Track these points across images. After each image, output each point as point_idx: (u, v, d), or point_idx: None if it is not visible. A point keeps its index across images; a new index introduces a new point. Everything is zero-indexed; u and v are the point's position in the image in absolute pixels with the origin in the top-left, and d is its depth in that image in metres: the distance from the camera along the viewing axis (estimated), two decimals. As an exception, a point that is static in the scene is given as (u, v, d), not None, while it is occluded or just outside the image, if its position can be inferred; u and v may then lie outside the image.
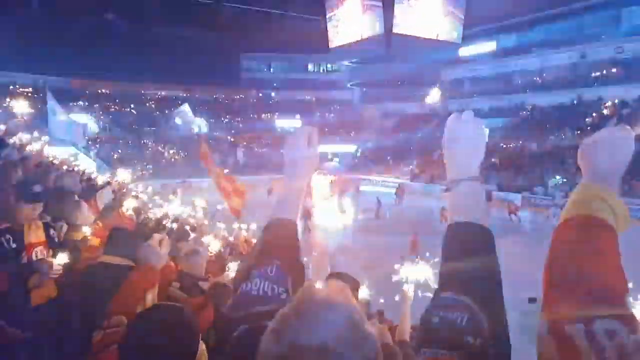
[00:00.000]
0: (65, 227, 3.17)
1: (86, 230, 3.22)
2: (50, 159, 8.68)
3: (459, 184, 0.93)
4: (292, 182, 1.10)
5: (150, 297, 1.58)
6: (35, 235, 2.67)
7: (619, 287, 0.64)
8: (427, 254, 2.61)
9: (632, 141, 0.82)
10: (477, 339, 0.71)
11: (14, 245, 2.51)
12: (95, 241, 3.07)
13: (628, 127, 0.85)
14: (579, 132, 25.38)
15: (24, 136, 9.73)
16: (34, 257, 2.53)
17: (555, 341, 0.60)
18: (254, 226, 8.12)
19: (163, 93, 39.78)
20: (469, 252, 0.84)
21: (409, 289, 2.61)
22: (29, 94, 30.73)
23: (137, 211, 5.52)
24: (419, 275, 2.51)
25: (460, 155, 0.96)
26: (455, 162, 0.96)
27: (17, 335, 1.97)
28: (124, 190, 7.07)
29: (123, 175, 8.59)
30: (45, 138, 9.12)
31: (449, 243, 0.88)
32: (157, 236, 1.85)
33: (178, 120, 34.50)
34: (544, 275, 0.69)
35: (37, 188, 2.68)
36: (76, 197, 3.64)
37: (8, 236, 2.51)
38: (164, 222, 6.07)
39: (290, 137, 1.15)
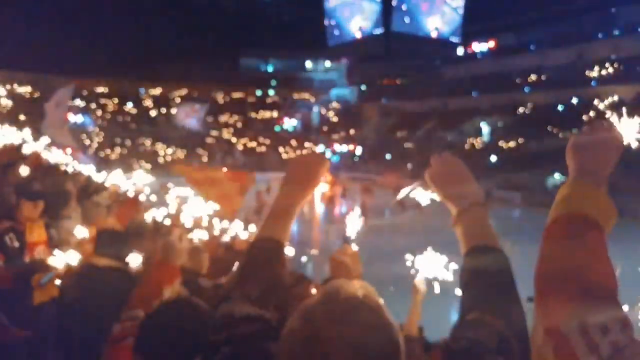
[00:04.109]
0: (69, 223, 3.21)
1: (82, 232, 3.22)
2: (49, 159, 8.65)
3: (462, 215, 0.95)
4: (289, 201, 1.05)
5: (168, 293, 1.61)
6: (37, 234, 2.67)
7: (610, 284, 0.65)
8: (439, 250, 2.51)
9: (621, 141, 0.84)
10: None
11: (16, 244, 2.52)
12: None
13: (616, 127, 0.85)
14: (577, 130, 25.39)
15: (22, 136, 9.69)
16: (35, 256, 2.54)
17: (550, 340, 0.61)
18: (252, 227, 8.08)
19: (161, 91, 39.71)
20: (488, 276, 0.85)
21: (421, 282, 2.50)
22: (28, 94, 30.70)
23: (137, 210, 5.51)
24: (434, 268, 2.39)
25: (451, 189, 0.98)
26: (450, 198, 0.98)
27: (19, 334, 1.99)
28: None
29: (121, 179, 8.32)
30: (45, 139, 9.12)
31: (467, 270, 0.89)
32: (177, 231, 1.88)
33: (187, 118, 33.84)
34: (536, 274, 0.70)
35: (37, 187, 2.70)
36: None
37: (11, 235, 2.52)
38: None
39: (310, 158, 1.11)
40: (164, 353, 1.16)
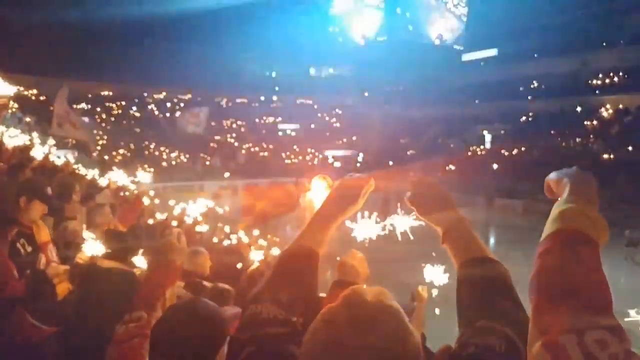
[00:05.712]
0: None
1: (87, 234, 3.26)
2: (54, 162, 8.71)
3: (449, 233, 0.99)
4: (330, 214, 1.09)
5: (169, 294, 1.63)
6: (44, 233, 2.69)
7: (606, 298, 0.66)
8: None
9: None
10: None
11: (29, 249, 2.52)
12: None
13: None
14: (580, 139, 25.39)
15: (28, 139, 9.76)
16: (49, 255, 2.54)
17: (548, 354, 0.60)
18: (256, 232, 8.10)
19: (165, 95, 39.78)
20: (490, 285, 0.87)
21: (424, 290, 2.50)
22: (33, 97, 30.85)
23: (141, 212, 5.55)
24: (442, 279, 2.40)
25: (430, 212, 1.04)
26: (434, 219, 1.03)
27: (51, 332, 2.02)
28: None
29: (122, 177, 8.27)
30: (51, 142, 9.19)
31: (467, 281, 0.90)
32: (176, 231, 1.89)
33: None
34: (531, 288, 0.69)
35: (50, 190, 2.73)
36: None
37: (22, 240, 2.51)
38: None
39: (358, 179, 1.14)
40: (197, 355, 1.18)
